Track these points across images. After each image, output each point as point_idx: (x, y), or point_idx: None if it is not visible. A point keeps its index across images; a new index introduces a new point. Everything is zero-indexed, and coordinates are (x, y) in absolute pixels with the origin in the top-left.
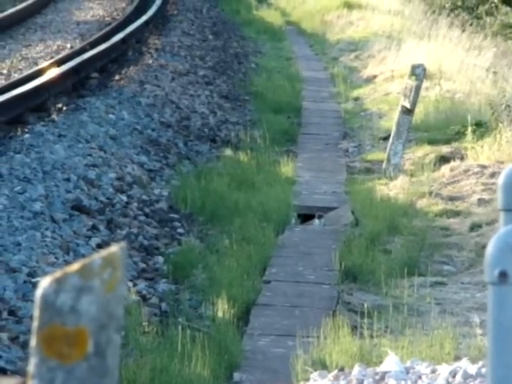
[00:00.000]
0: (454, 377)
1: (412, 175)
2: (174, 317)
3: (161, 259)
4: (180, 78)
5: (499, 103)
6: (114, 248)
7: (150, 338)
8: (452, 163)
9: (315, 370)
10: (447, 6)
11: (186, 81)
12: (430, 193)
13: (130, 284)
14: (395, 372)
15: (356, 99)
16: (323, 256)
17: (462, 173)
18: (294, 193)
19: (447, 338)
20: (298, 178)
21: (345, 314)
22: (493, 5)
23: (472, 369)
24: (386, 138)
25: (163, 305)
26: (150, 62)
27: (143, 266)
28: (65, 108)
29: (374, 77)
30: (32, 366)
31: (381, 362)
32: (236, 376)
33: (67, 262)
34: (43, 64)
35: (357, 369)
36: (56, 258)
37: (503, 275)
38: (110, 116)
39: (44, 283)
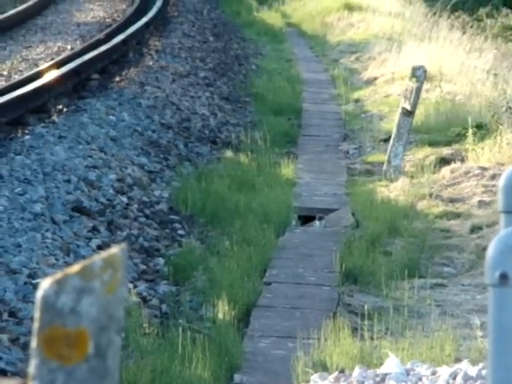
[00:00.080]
0: (454, 379)
1: (412, 177)
2: (174, 318)
3: (161, 261)
4: (180, 79)
5: (500, 105)
6: (114, 249)
7: (150, 340)
8: (452, 165)
9: (316, 372)
10: (448, 7)
11: (186, 82)
12: (431, 195)
13: (131, 286)
14: (395, 374)
15: (356, 101)
16: (324, 258)
17: (462, 175)
18: (295, 194)
19: (448, 340)
20: (298, 180)
21: (345, 315)
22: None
23: (472, 371)
24: (386, 140)
25: (164, 306)
26: (151, 63)
27: (144, 267)
28: (65, 109)
29: (375, 79)
30: (32, 367)
31: (381, 364)
32: (236, 378)
33: (67, 264)
34: (43, 65)
35: (357, 371)
36: (56, 259)
37: (504, 277)
38: (111, 117)
39: (44, 284)
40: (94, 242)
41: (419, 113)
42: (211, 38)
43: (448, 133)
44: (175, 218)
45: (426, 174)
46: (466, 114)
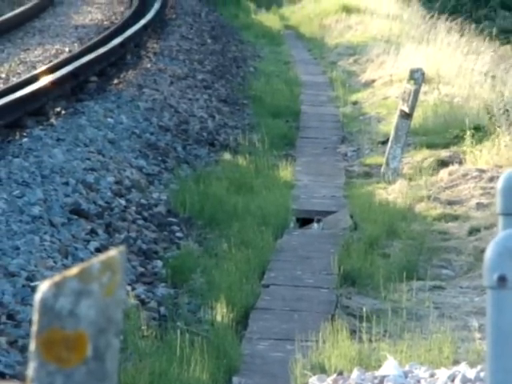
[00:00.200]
0: (452, 381)
1: (410, 179)
2: (172, 321)
3: (159, 263)
4: (179, 81)
5: (497, 107)
6: (112, 252)
7: (148, 342)
8: (450, 167)
9: (314, 374)
10: (446, 10)
11: (184, 85)
12: (429, 197)
13: (129, 288)
14: (394, 376)
15: (354, 103)
16: (322, 260)
17: (460, 177)
18: (293, 197)
19: (446, 342)
20: (296, 182)
21: (343, 318)
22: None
23: (471, 373)
24: (384, 142)
25: (162, 309)
26: (149, 66)
27: (142, 270)
28: (63, 112)
29: (373, 81)
30: (31, 370)
31: (379, 366)
32: (235, 380)
33: (66, 266)
34: (42, 68)
35: (356, 373)
36: (55, 262)
37: (502, 279)
38: (109, 120)
39: (43, 287)
40: (93, 245)
41: (417, 115)
42: (209, 41)
43: (446, 135)
44: (173, 220)
45: (424, 176)
46: (463, 116)
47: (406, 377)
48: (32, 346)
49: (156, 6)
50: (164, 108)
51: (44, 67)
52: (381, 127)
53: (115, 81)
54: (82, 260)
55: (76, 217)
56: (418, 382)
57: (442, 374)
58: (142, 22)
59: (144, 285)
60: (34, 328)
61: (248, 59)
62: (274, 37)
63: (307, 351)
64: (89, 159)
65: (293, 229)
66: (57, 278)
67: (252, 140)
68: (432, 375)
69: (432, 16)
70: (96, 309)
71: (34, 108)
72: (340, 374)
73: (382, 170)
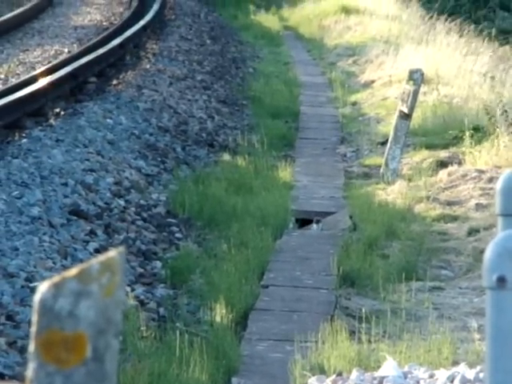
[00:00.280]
0: (452, 382)
1: (410, 180)
2: (171, 322)
3: (159, 264)
4: (178, 82)
5: (496, 108)
6: (112, 253)
7: (147, 343)
8: (450, 168)
9: (313, 375)
10: (445, 10)
11: (183, 85)
12: (428, 197)
13: (128, 289)
14: (393, 377)
15: (354, 104)
16: (321, 261)
17: (459, 178)
18: (292, 197)
19: (445, 343)
20: (295, 183)
21: (343, 318)
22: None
23: (470, 374)
24: (383, 143)
25: (161, 310)
26: (148, 66)
27: (141, 270)
28: (62, 113)
29: (372, 82)
30: (30, 371)
31: (379, 367)
32: (234, 381)
33: (65, 267)
34: (41, 69)
35: (355, 373)
36: (54, 262)
37: (501, 280)
38: (108, 121)
39: (42, 288)
40: (92, 246)
41: (416, 116)
42: (208, 41)
43: (445, 136)
44: (172, 221)
45: (423, 176)
46: (463, 116)
47: (406, 377)
48: (31, 346)
49: (155, 6)
50: (163, 109)
51: (43, 68)
52: (380, 128)
53: (114, 81)
54: (81, 261)
55: (75, 217)
56: (418, 382)
57: (442, 374)
58: (142, 22)
59: (143, 285)
60: (34, 329)
61: (247, 60)
62: (273, 37)
63: (306, 352)
64: (88, 160)
65: (292, 229)
66: (56, 278)
67: (251, 141)
68: (431, 376)
69: (431, 17)
70: (95, 310)
71: (33, 109)
72: (339, 374)
73: (382, 170)
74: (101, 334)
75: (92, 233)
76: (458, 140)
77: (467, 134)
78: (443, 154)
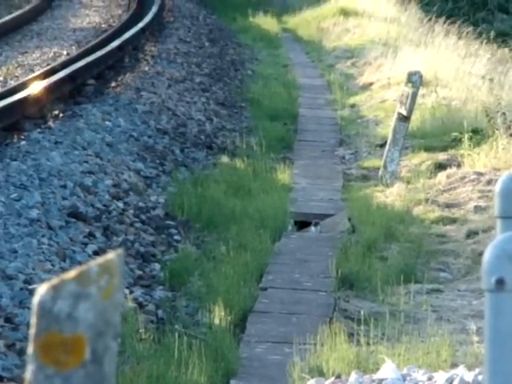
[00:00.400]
0: None
1: (408, 182)
2: (170, 324)
3: (157, 266)
4: (176, 84)
5: (495, 110)
6: (110, 255)
7: (146, 345)
8: (448, 170)
9: (312, 377)
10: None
11: (182, 88)
12: (427, 200)
13: (127, 291)
14: (392, 379)
15: (352, 106)
16: (320, 263)
17: (458, 180)
18: (291, 200)
19: (444, 346)
20: (294, 185)
21: (341, 321)
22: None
23: (469, 376)
24: (382, 145)
25: (160, 312)
26: (147, 68)
27: (140, 273)
28: (61, 115)
29: (371, 84)
30: (29, 373)
31: (377, 369)
32: (233, 383)
33: (64, 269)
34: (39, 71)
35: (353, 376)
36: (52, 265)
37: (500, 282)
38: (107, 123)
39: (41, 290)
40: (90, 248)
41: (415, 118)
42: (207, 44)
43: (444, 138)
44: (171, 223)
45: (421, 179)
46: (461, 119)
47: (404, 380)
48: (30, 349)
49: (154, 8)
50: (162, 111)
51: (42, 70)
52: (379, 130)
53: (113, 84)
54: (79, 263)
55: (74, 220)
56: None
57: (440, 377)
58: (140, 25)
59: (142, 288)
60: (32, 331)
61: (246, 62)
62: (271, 40)
63: (305, 354)
64: (87, 162)
65: (291, 232)
66: (55, 281)
67: (250, 143)
68: (430, 378)
69: (430, 19)
70: (94, 312)
71: (32, 111)
72: (338, 377)
73: (380, 172)
74: (99, 337)
75: (91, 235)
76: (456, 142)
77: (466, 136)
78: (442, 157)
